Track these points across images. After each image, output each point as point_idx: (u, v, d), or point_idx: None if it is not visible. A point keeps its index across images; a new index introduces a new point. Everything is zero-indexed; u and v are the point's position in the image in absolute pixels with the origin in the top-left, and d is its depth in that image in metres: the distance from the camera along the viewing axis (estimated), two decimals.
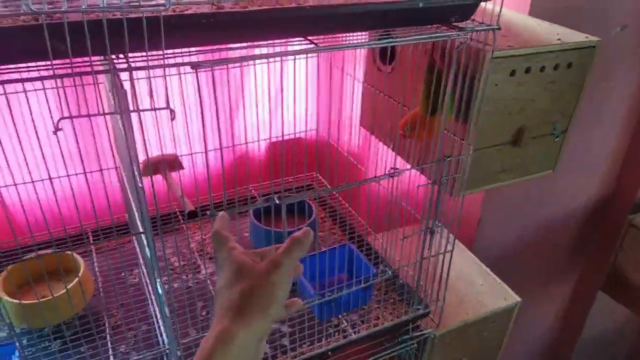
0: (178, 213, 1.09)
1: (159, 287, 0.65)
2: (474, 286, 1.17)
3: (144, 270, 1.00)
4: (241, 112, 1.19)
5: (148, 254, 0.67)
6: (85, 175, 0.67)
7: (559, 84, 0.89)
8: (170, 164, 0.98)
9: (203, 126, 0.62)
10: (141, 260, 1.01)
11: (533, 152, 0.96)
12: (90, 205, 0.67)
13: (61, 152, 0.55)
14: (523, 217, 1.57)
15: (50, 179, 0.65)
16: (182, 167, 1.03)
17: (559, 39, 0.86)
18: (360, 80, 1.08)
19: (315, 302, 0.88)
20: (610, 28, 1.29)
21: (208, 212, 0.67)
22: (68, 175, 0.59)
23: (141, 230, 0.66)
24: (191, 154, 1.04)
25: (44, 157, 0.60)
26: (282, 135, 0.73)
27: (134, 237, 1.01)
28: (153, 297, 0.92)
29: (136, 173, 0.56)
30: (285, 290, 0.50)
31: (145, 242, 0.67)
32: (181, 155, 1.04)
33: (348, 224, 1.17)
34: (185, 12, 0.52)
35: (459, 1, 0.67)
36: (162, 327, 0.88)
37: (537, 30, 0.90)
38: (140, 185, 0.56)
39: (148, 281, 0.93)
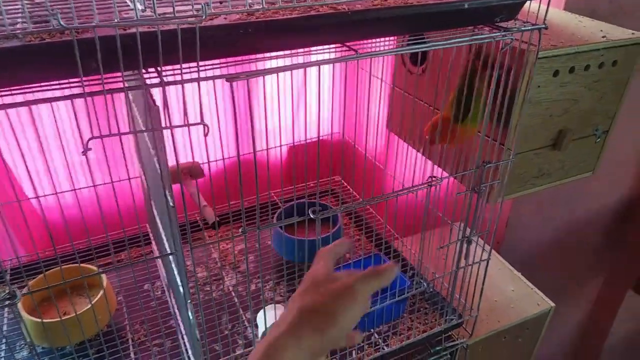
0: (200, 222, 1.05)
1: (190, 313, 0.61)
2: (504, 292, 1.13)
3: (166, 284, 0.97)
4: (263, 117, 1.15)
5: (177, 274, 0.64)
6: (113, 185, 0.64)
7: (603, 83, 0.84)
8: (191, 171, 0.94)
9: (236, 136, 0.59)
10: (163, 274, 0.98)
11: (573, 155, 0.91)
12: (107, 215, 0.64)
13: (88, 164, 0.52)
14: (552, 218, 1.52)
15: (74, 190, 0.63)
16: (203, 175, 1.00)
17: (604, 36, 0.81)
18: (388, 82, 1.03)
19: None
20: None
21: (241, 229, 0.63)
22: (94, 186, 0.56)
23: (169, 251, 0.63)
24: (215, 160, 1.00)
25: (69, 170, 0.56)
26: (320, 136, 0.69)
27: (157, 251, 0.98)
28: (177, 312, 0.89)
29: (167, 193, 0.52)
30: (350, 318, 0.47)
31: (173, 263, 0.64)
32: (202, 163, 1.00)
33: (381, 232, 1.13)
34: (216, 23, 0.48)
35: (506, 0, 0.62)
36: (187, 344, 0.85)
37: (579, 27, 0.85)
38: (172, 205, 0.53)
39: (172, 297, 0.90)
